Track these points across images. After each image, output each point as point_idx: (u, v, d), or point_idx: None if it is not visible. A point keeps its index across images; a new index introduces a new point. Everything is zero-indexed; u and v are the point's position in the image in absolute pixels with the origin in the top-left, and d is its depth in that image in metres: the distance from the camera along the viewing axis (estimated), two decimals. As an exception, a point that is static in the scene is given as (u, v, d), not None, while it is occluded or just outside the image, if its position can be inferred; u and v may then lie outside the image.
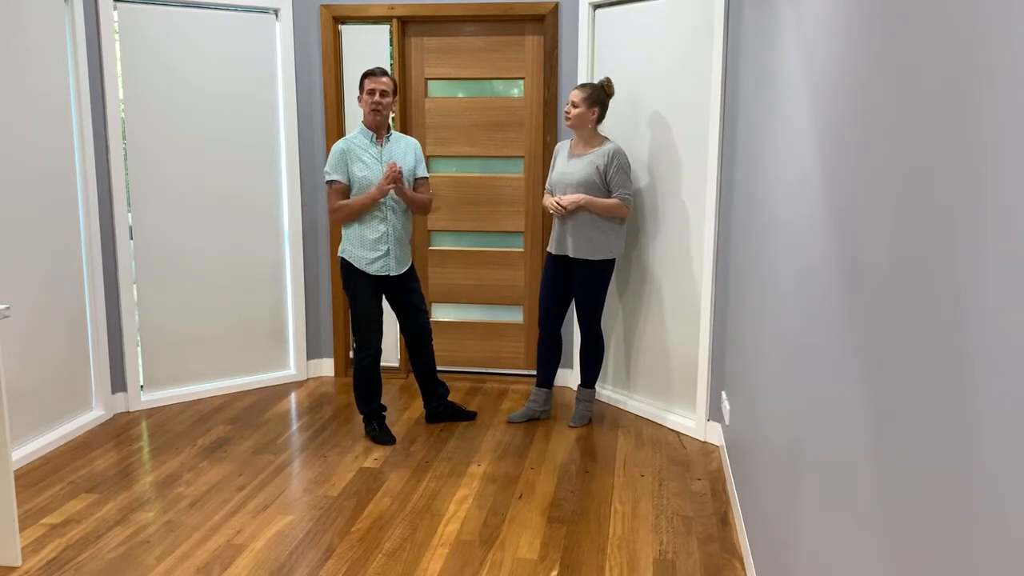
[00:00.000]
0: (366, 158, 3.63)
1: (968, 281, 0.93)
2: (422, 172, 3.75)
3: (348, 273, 3.69)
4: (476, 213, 4.58)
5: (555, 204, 3.72)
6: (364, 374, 3.76)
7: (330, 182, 3.62)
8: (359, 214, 3.61)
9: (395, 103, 3.69)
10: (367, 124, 3.64)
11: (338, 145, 3.64)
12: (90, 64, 3.84)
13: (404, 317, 3.84)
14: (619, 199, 3.68)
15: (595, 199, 3.68)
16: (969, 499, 0.91)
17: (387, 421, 3.96)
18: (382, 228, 3.64)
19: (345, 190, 3.63)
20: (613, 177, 3.69)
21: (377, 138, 3.66)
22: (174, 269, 4.23)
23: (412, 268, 3.80)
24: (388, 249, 3.66)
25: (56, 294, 3.72)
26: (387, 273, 3.69)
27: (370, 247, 3.65)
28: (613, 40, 4.09)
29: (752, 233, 2.95)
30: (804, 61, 2.04)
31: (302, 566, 2.72)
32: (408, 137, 3.77)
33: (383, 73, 3.59)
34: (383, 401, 4.24)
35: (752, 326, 2.85)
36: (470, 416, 4.04)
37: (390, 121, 3.72)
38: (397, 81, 3.68)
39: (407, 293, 3.78)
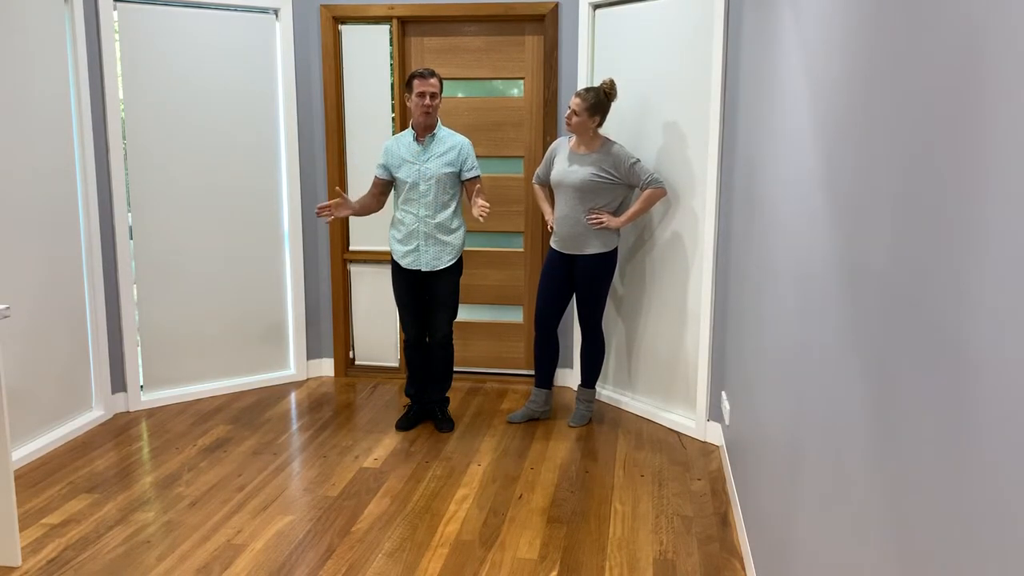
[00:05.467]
0: (407, 155, 3.71)
1: (968, 281, 0.93)
2: (469, 173, 3.74)
3: (392, 262, 3.89)
4: (476, 213, 4.58)
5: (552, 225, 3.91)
6: (405, 357, 4.02)
7: (376, 176, 3.84)
8: (360, 213, 3.85)
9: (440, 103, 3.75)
10: (416, 124, 3.70)
11: (386, 142, 3.81)
12: (90, 64, 3.84)
13: (427, 312, 3.91)
14: (653, 188, 3.70)
15: (631, 214, 3.73)
16: (969, 499, 0.91)
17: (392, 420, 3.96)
18: (412, 225, 3.74)
19: (381, 183, 3.81)
20: (632, 171, 3.69)
21: (418, 137, 3.70)
22: (174, 269, 4.23)
23: (451, 268, 3.79)
24: (418, 246, 3.75)
25: (56, 294, 3.72)
26: (417, 268, 3.77)
27: (402, 241, 3.78)
28: (613, 40, 4.09)
29: (752, 233, 2.95)
30: (804, 61, 2.04)
31: (302, 566, 2.72)
32: (459, 136, 3.75)
33: (432, 74, 3.63)
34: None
35: (752, 326, 2.85)
36: (444, 428, 3.93)
37: (439, 121, 3.80)
38: (439, 83, 3.70)
39: (433, 292, 3.83)
